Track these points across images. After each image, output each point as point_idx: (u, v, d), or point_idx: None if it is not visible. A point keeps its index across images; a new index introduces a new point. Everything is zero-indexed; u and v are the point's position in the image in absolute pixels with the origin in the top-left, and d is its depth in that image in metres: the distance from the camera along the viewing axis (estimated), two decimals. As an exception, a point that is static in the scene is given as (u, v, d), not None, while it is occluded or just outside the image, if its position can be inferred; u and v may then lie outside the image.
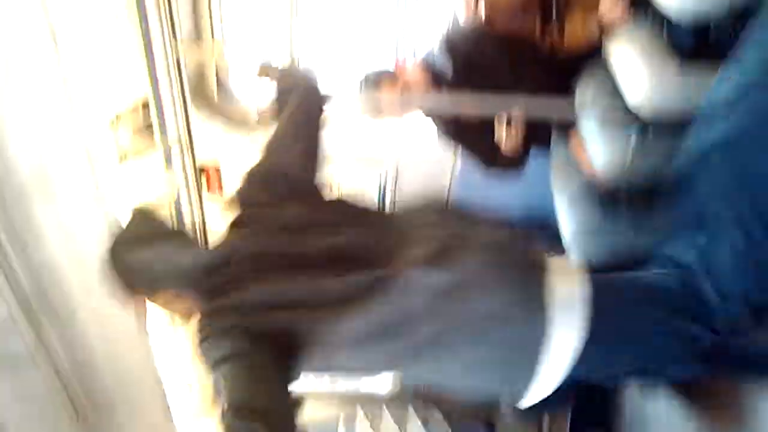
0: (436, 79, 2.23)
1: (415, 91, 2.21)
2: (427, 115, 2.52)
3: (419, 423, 4.29)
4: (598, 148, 1.84)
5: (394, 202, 3.14)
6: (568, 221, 2.09)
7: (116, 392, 2.79)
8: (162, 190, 2.94)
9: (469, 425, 4.42)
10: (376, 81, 2.24)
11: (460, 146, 2.62)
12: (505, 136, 2.23)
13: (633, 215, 2.01)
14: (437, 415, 4.34)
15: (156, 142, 2.69)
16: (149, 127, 2.72)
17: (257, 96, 2.95)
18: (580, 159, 2.01)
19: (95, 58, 2.31)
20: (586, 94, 1.90)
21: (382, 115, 2.33)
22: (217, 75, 2.81)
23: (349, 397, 4.35)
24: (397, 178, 3.07)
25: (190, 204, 2.81)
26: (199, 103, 2.80)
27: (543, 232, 2.80)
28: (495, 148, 2.42)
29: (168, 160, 2.87)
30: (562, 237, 2.15)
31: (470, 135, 2.48)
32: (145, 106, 2.63)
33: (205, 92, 2.81)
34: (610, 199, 2.02)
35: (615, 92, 1.82)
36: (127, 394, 2.85)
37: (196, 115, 2.79)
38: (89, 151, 2.43)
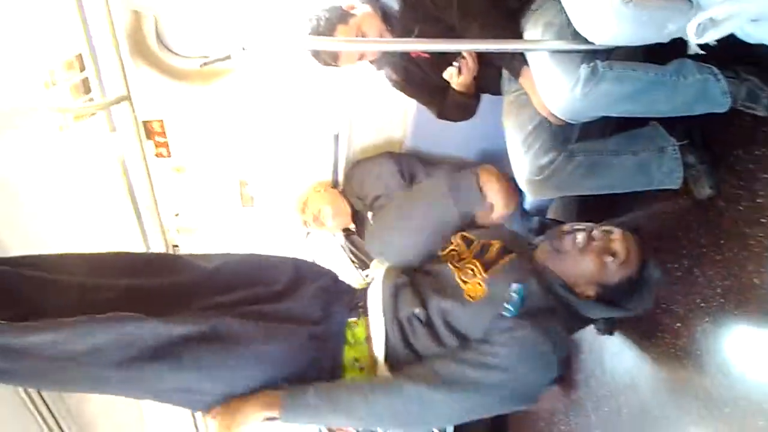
0: (385, 18, 2.17)
1: (367, 32, 2.14)
2: (379, 68, 2.46)
3: None
4: (549, 84, 1.81)
5: (349, 157, 3.09)
6: (520, 162, 2.07)
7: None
8: (107, 153, 2.84)
9: None
10: (329, 22, 2.15)
11: (412, 96, 2.58)
12: (456, 73, 2.19)
13: (585, 151, 2.01)
14: None
15: (95, 101, 2.58)
16: (87, 86, 2.61)
17: (200, 46, 2.85)
18: (531, 97, 1.98)
19: (25, 13, 2.18)
20: (536, 30, 1.86)
21: (337, 62, 2.25)
22: (156, 26, 2.69)
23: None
24: (350, 131, 3.01)
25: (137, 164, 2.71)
26: (138, 57, 2.67)
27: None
28: (446, 95, 2.40)
29: (110, 119, 2.77)
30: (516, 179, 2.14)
31: (421, 83, 2.45)
32: (81, 62, 2.52)
33: (144, 44, 2.68)
34: (563, 136, 2.00)
35: (565, 27, 1.79)
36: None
37: (136, 70, 2.68)
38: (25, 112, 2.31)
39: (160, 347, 1.47)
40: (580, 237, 1.66)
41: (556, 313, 1.70)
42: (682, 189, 2.04)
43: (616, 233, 1.67)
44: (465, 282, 1.73)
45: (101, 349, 1.42)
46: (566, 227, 1.73)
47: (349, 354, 1.72)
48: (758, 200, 1.78)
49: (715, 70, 1.73)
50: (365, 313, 1.76)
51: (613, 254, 1.66)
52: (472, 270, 1.75)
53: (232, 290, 1.67)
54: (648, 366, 2.38)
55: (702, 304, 2.05)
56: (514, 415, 4.34)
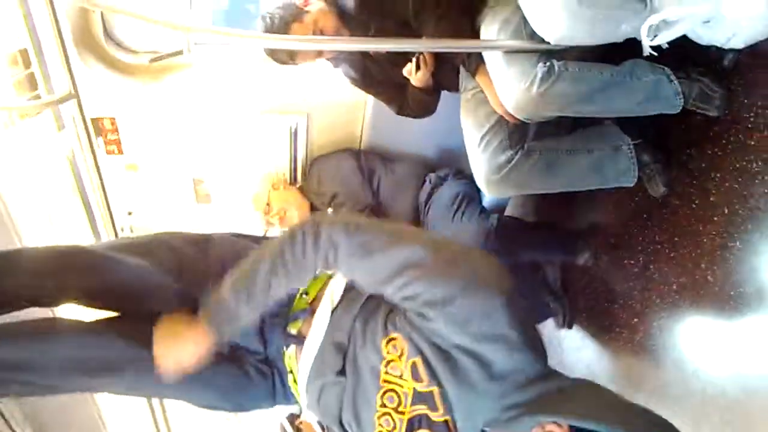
0: (341, 15, 2.12)
1: (324, 28, 2.09)
2: (336, 66, 2.42)
3: None
4: (506, 83, 1.81)
5: (306, 154, 3.05)
6: (478, 160, 2.06)
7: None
8: (56, 151, 2.75)
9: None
10: (283, 21, 2.09)
11: (371, 93, 2.55)
12: (414, 70, 2.17)
13: (542, 149, 2.01)
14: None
15: (42, 98, 2.48)
16: (32, 83, 2.52)
17: (149, 41, 2.77)
18: (488, 95, 1.97)
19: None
20: (493, 26, 1.85)
21: (295, 60, 2.20)
22: (103, 20, 2.60)
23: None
24: (308, 128, 2.97)
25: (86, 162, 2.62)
26: (86, 52, 2.58)
27: (454, 172, 2.83)
28: (405, 92, 2.37)
29: (58, 117, 2.68)
30: (474, 177, 2.13)
31: (380, 80, 2.42)
32: (26, 57, 2.42)
33: (91, 39, 2.59)
34: (519, 134, 2.00)
35: (521, 25, 1.78)
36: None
37: (84, 66, 2.59)
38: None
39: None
40: None
41: None
42: (637, 187, 2.06)
43: None
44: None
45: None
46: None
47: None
48: (711, 198, 1.81)
49: (668, 71, 1.75)
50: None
51: None
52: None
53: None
54: (606, 361, 2.42)
55: (657, 300, 2.08)
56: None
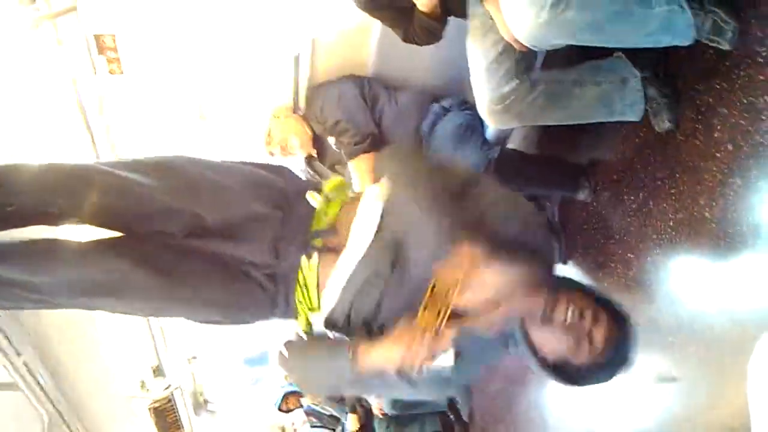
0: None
1: None
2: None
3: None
4: (515, 9, 1.76)
5: (310, 81, 3.00)
6: (482, 90, 2.03)
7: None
8: (55, 68, 2.71)
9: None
10: None
11: (376, 17, 2.49)
12: None
13: (548, 81, 1.99)
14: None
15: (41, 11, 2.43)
16: None
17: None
18: (496, 21, 1.93)
19: None
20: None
21: None
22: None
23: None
24: (312, 54, 2.92)
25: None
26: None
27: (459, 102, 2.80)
28: (411, 17, 2.32)
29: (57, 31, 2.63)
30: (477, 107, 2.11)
31: (386, 4, 2.36)
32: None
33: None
34: (526, 63, 1.97)
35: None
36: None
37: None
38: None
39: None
40: (571, 313, 1.46)
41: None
42: (642, 122, 2.04)
43: (602, 321, 1.48)
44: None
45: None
46: (563, 298, 1.50)
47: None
48: (715, 134, 1.79)
49: (682, 1, 1.70)
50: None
51: (591, 341, 1.48)
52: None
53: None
54: (599, 295, 2.45)
55: (654, 236, 2.10)
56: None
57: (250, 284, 1.56)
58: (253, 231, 1.55)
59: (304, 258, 1.56)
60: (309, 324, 1.60)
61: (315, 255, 1.56)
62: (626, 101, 2.01)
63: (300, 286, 1.56)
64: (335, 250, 1.55)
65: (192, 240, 1.53)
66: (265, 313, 1.62)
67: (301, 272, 1.56)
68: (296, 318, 1.62)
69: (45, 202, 1.45)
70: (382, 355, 1.42)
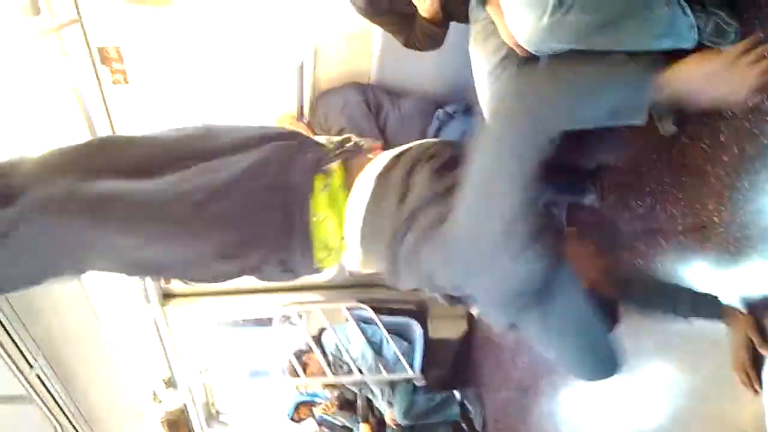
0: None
1: None
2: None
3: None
4: (516, 13, 1.75)
5: (314, 88, 3.01)
6: (485, 94, 2.02)
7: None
8: (60, 79, 2.73)
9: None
10: None
11: (378, 23, 2.49)
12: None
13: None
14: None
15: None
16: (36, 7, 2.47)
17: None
18: (498, 26, 1.92)
19: None
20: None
21: None
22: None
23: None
24: (315, 61, 2.92)
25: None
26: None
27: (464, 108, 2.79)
28: (412, 23, 2.32)
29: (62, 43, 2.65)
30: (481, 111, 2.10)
31: (388, 10, 2.36)
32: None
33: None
34: (529, 67, 1.95)
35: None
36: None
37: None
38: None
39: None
40: None
41: None
42: (647, 126, 2.01)
43: None
44: None
45: None
46: None
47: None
48: (721, 138, 1.76)
49: (683, 2, 1.68)
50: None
51: None
52: None
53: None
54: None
55: (662, 242, 2.07)
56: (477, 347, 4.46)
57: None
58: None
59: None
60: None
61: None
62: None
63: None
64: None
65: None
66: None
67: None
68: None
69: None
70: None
